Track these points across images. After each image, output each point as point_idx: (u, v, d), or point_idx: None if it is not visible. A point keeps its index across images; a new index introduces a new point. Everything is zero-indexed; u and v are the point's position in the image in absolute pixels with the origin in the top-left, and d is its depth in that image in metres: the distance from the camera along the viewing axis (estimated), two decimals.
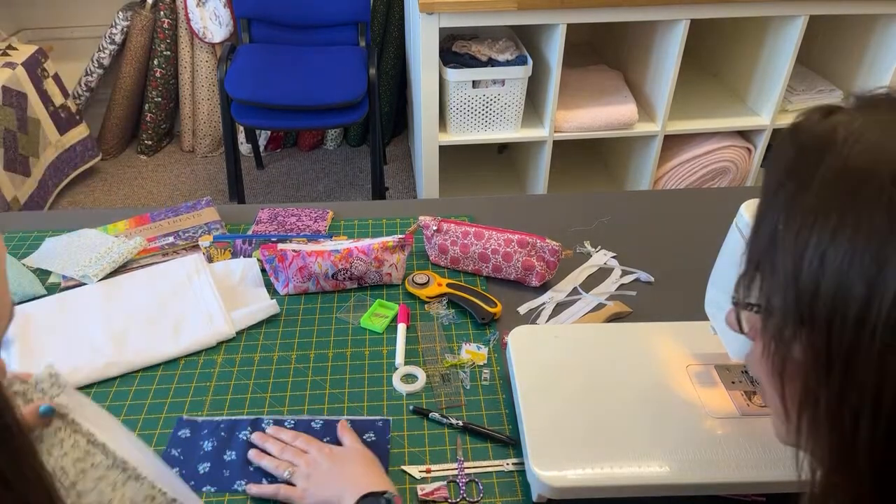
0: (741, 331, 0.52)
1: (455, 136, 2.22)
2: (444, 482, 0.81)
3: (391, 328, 1.02)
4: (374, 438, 0.86)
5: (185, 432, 0.87)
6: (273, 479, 0.81)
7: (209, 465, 0.83)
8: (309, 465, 0.80)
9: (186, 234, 1.18)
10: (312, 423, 0.88)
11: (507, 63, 2.11)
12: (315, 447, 0.82)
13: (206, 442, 0.86)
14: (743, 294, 0.50)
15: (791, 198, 0.44)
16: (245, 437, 0.86)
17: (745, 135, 2.35)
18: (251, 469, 0.83)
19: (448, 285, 1.08)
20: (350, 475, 0.77)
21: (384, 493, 0.73)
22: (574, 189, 2.55)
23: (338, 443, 0.85)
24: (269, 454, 0.83)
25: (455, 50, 2.18)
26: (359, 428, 0.87)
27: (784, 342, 0.45)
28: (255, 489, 0.80)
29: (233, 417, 0.89)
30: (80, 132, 2.71)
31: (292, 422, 0.88)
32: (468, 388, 0.93)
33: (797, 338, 0.44)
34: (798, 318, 0.43)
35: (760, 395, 0.55)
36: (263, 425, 0.87)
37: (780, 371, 0.46)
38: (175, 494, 0.62)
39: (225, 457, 0.84)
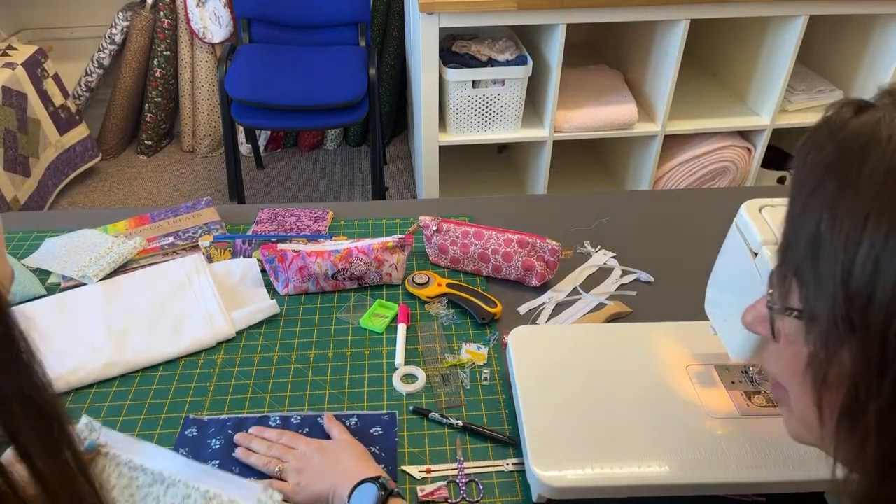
0: (773, 337, 0.50)
1: (455, 136, 2.22)
2: (444, 482, 0.81)
3: (391, 328, 1.02)
4: (380, 432, 0.86)
5: (192, 431, 0.87)
6: (262, 477, 0.81)
7: (217, 462, 0.83)
8: (299, 459, 0.79)
9: (186, 235, 1.18)
10: (292, 419, 0.88)
11: (507, 63, 2.11)
12: (303, 442, 0.82)
13: (214, 440, 0.86)
14: (780, 299, 0.48)
15: (834, 198, 0.43)
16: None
17: (745, 135, 2.35)
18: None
19: (448, 285, 1.08)
20: (342, 467, 0.77)
21: (378, 477, 0.73)
22: (574, 189, 2.55)
23: (318, 435, 0.85)
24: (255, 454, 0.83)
25: (455, 50, 2.18)
26: (365, 422, 0.87)
27: (830, 349, 0.43)
28: None
29: (239, 415, 0.89)
30: (79, 132, 2.71)
31: (277, 419, 0.88)
32: (468, 388, 0.93)
33: (845, 345, 0.42)
34: (848, 325, 0.41)
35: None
36: (270, 423, 0.87)
37: (822, 378, 0.44)
38: (207, 486, 0.72)
39: (233, 454, 0.84)
